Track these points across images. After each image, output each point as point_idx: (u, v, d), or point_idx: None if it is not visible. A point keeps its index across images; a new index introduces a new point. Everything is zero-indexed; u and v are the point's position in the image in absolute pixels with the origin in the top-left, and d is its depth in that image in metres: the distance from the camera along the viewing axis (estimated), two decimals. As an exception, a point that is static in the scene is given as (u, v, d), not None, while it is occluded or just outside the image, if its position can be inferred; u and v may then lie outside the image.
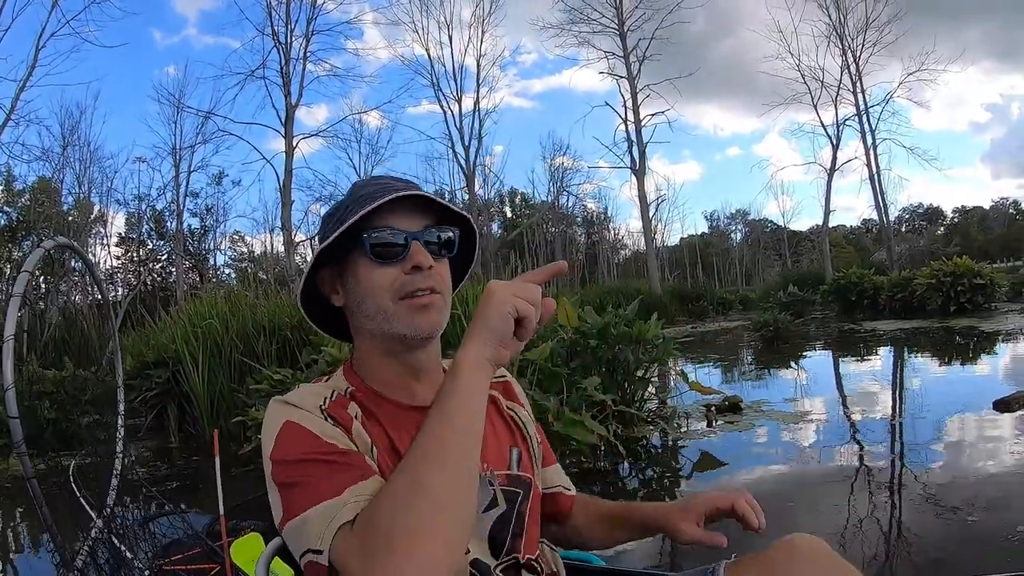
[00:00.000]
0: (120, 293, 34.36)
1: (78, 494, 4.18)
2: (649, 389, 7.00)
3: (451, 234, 1.26)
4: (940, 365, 10.21)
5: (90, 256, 5.15)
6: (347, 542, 0.95)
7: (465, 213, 1.29)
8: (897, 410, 7.02)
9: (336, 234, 1.16)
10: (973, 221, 77.50)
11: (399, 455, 1.15)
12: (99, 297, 27.89)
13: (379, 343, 1.24)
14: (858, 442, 5.72)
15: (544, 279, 1.12)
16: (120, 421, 4.22)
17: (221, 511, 2.95)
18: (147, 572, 3.23)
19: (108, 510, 3.62)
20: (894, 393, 8.23)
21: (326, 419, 1.11)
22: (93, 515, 3.72)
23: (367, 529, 0.94)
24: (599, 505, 1.61)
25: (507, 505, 1.28)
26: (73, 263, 30.19)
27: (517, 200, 60.15)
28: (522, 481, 1.35)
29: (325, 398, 1.16)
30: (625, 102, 33.48)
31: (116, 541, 3.36)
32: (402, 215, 1.19)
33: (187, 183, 35.08)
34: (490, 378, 1.06)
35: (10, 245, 37.27)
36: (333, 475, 1.03)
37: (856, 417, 6.74)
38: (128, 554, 3.34)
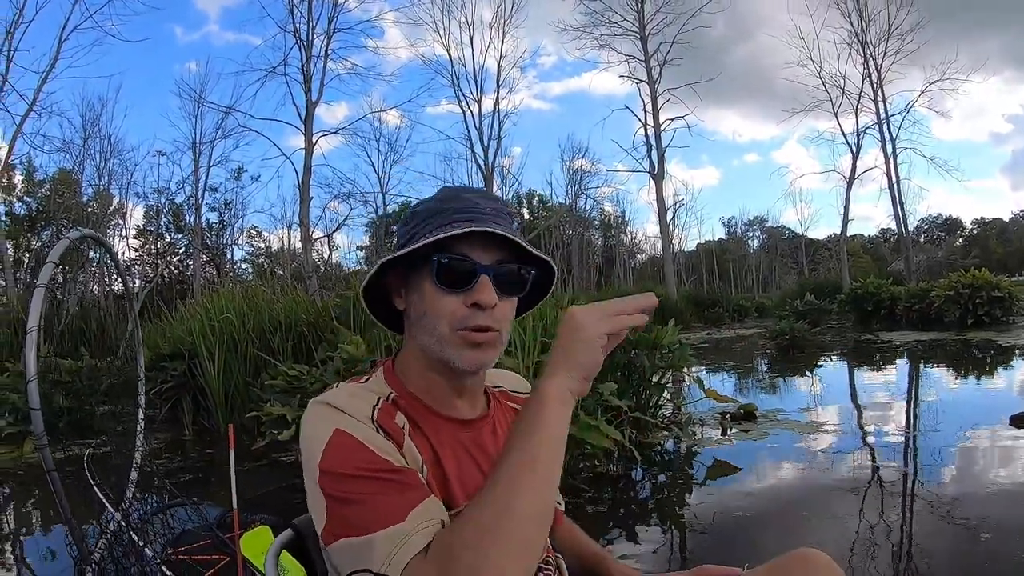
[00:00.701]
0: (137, 285, 34.51)
1: (94, 485, 4.21)
2: (664, 395, 6.99)
3: (524, 274, 1.21)
4: (956, 378, 10.16)
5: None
6: (422, 570, 0.94)
7: (546, 257, 1.23)
8: (912, 423, 6.98)
9: (403, 252, 1.15)
10: (992, 233, 77.02)
11: (443, 469, 1.14)
12: (118, 288, 28.12)
13: (427, 358, 1.20)
14: (872, 454, 5.69)
15: (633, 311, 1.08)
16: (140, 414, 4.25)
17: (234, 504, 2.96)
18: (158, 561, 3.25)
19: (127, 504, 3.64)
20: (909, 406, 8.18)
21: (377, 430, 1.08)
22: (110, 508, 3.75)
23: (448, 560, 0.92)
24: (580, 538, 1.60)
25: None
26: (92, 253, 30.40)
27: (535, 202, 60.12)
28: None
29: (373, 406, 1.12)
30: (645, 106, 33.59)
31: (135, 537, 3.38)
32: (481, 243, 1.15)
33: (206, 177, 35.29)
34: (572, 411, 1.04)
35: (29, 235, 37.61)
36: (392, 496, 1.01)
37: (870, 429, 6.71)
38: (140, 542, 3.36)
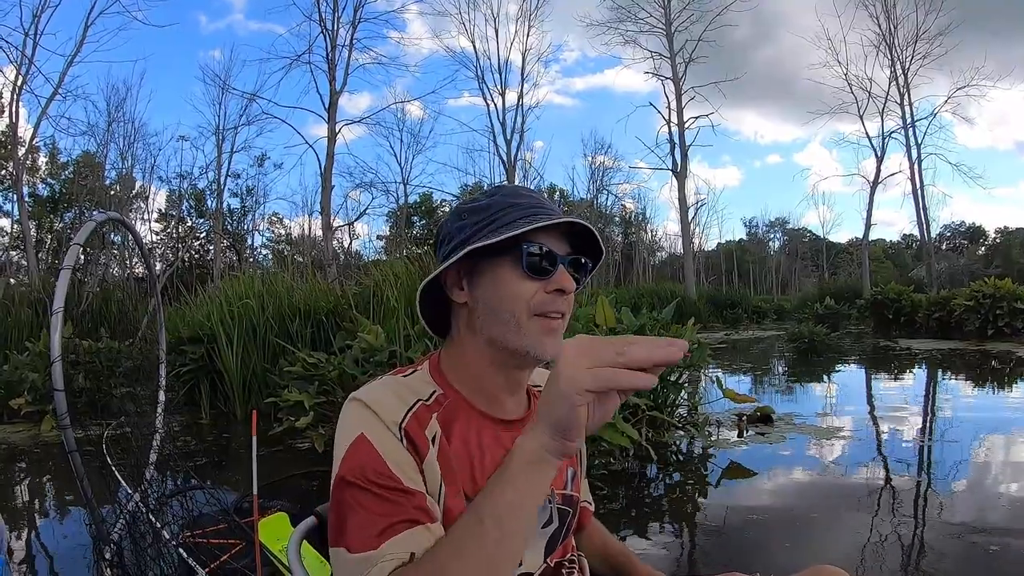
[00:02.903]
0: (159, 268, 34.85)
1: (111, 466, 4.24)
2: (681, 394, 6.96)
3: (589, 265, 1.25)
4: (974, 389, 10.09)
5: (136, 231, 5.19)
6: None
7: (603, 248, 1.26)
8: (928, 432, 6.94)
9: (504, 237, 1.13)
10: (1016, 243, 75.88)
11: (481, 472, 1.14)
12: (140, 272, 28.32)
13: (494, 351, 1.20)
14: (886, 463, 5.66)
15: (645, 362, 0.85)
16: (161, 395, 4.27)
17: (255, 490, 2.96)
18: (174, 543, 3.27)
19: (145, 484, 3.66)
20: (925, 415, 8.13)
21: (401, 439, 1.08)
22: (127, 488, 3.76)
23: None
24: (606, 538, 1.61)
25: (559, 523, 1.29)
26: (115, 237, 30.63)
27: (556, 196, 60.11)
28: (573, 500, 1.36)
29: (408, 410, 1.12)
30: (669, 103, 33.43)
31: (152, 518, 3.39)
32: (553, 236, 1.18)
33: (229, 163, 35.59)
34: (553, 471, 0.95)
35: (52, 216, 37.95)
36: (384, 517, 1.01)
37: (886, 437, 6.68)
38: (158, 524, 3.38)
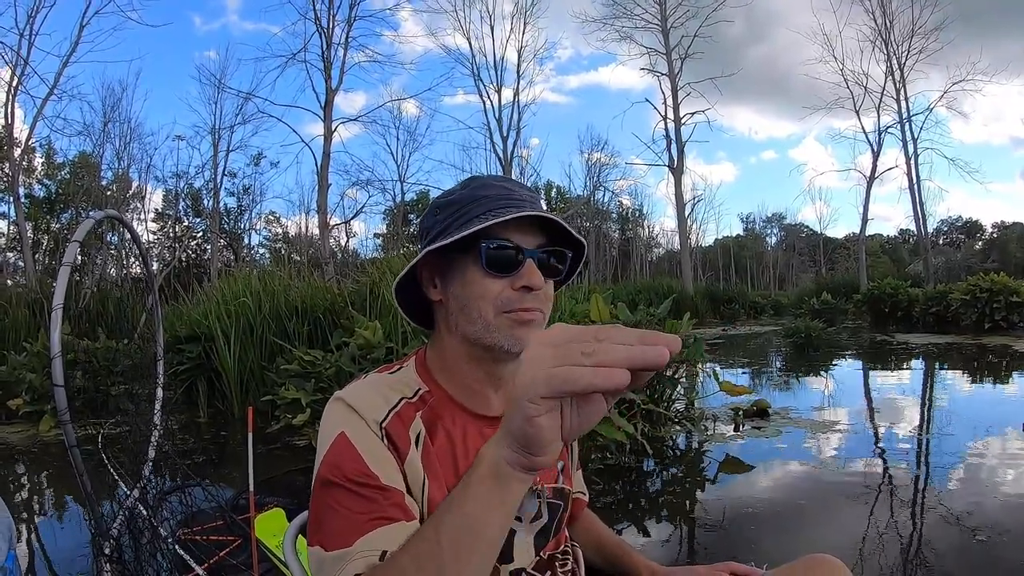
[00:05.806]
0: (156, 268, 34.81)
1: (108, 464, 4.25)
2: (677, 389, 6.98)
3: (565, 257, 1.20)
4: (971, 383, 10.08)
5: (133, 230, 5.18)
6: None
7: (582, 239, 1.21)
8: (924, 426, 6.95)
9: (459, 237, 1.11)
10: (1012, 237, 75.85)
11: (459, 476, 1.09)
12: (137, 271, 28.31)
13: (470, 348, 1.18)
14: (883, 456, 5.66)
15: (635, 363, 0.68)
16: (159, 392, 4.28)
17: (251, 487, 2.98)
18: (171, 541, 3.29)
19: (143, 481, 3.68)
20: (922, 409, 8.13)
21: (382, 438, 1.07)
22: (124, 486, 3.78)
23: None
24: (600, 529, 1.60)
25: (549, 517, 1.28)
26: (111, 236, 30.61)
27: (553, 193, 60.08)
28: (564, 493, 1.34)
29: (390, 409, 1.11)
30: (665, 99, 33.38)
31: (149, 515, 3.41)
32: (521, 229, 1.14)
33: (225, 163, 35.54)
34: (520, 486, 0.85)
35: (48, 217, 37.92)
36: (359, 515, 0.99)
37: (883, 431, 6.68)
38: (155, 522, 3.40)
